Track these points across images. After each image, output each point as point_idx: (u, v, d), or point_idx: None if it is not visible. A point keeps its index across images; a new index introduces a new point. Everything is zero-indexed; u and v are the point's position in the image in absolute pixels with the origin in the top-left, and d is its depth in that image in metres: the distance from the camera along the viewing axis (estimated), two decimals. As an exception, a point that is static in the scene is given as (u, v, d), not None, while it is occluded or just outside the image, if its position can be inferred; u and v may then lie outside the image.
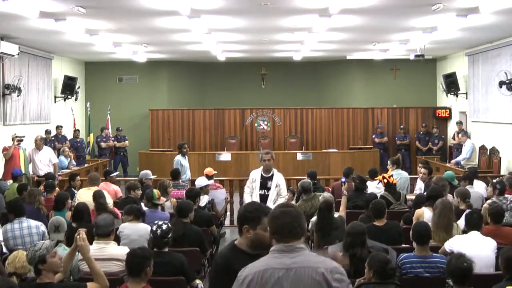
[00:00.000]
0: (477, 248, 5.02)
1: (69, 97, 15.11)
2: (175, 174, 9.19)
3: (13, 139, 10.44)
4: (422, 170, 8.66)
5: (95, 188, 7.74)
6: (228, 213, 9.92)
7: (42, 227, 6.24)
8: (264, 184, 7.28)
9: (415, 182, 9.03)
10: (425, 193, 7.13)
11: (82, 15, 9.05)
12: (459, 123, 14.18)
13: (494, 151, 12.45)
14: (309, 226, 6.47)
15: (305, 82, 17.98)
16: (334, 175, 12.15)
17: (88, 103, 16.15)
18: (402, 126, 15.91)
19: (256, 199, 7.11)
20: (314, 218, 6.49)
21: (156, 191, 6.98)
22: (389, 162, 9.19)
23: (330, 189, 9.12)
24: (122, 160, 15.46)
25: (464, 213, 5.81)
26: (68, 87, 14.86)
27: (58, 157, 12.07)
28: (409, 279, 4.76)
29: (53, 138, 13.44)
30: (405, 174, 9.00)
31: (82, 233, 4.27)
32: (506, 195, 7.05)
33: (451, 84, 14.93)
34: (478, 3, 8.54)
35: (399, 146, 15.72)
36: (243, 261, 2.90)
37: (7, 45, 11.12)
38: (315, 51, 14.66)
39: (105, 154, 15.16)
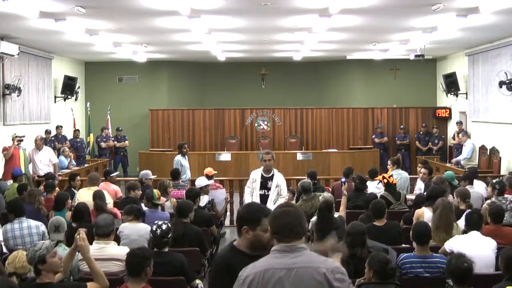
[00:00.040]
0: (477, 248, 5.02)
1: (69, 97, 15.11)
2: (175, 174, 9.19)
3: (13, 139, 10.44)
4: (422, 170, 8.64)
5: (95, 188, 7.74)
6: (228, 213, 9.92)
7: (42, 227, 6.24)
8: (265, 184, 7.28)
9: (415, 182, 9.01)
10: (425, 193, 7.13)
11: (82, 15, 9.05)
12: (459, 123, 14.17)
13: (494, 151, 12.44)
14: (309, 226, 6.45)
15: (305, 82, 17.97)
16: (334, 175, 12.15)
17: (88, 103, 16.15)
18: (402, 126, 15.91)
19: (257, 199, 7.12)
20: (314, 218, 6.48)
21: (156, 191, 6.98)
22: (389, 162, 9.19)
23: (330, 189, 9.12)
24: (122, 160, 15.45)
25: (464, 213, 5.81)
26: (68, 87, 14.85)
27: (58, 157, 12.08)
28: (409, 279, 4.76)
29: (53, 138, 13.44)
30: (405, 174, 8.99)
31: (82, 233, 4.27)
32: (505, 195, 7.05)
33: (451, 84, 14.93)
34: (478, 3, 8.54)
35: (399, 146, 15.72)
36: (242, 262, 2.89)
37: (7, 45, 11.12)
38: (315, 51, 14.65)
39: (105, 154, 15.15)
